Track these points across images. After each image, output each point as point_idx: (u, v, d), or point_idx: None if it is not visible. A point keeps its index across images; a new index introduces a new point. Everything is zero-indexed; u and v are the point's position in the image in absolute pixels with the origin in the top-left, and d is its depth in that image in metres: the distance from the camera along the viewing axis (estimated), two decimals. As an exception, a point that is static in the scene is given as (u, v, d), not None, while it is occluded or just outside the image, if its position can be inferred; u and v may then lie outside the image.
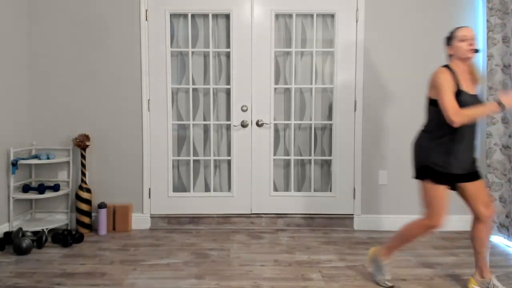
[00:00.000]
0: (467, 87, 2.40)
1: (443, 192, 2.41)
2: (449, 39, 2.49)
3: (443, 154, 2.38)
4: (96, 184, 3.81)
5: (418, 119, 3.80)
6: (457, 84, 2.36)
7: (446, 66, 2.46)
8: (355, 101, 3.80)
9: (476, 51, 2.43)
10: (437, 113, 2.40)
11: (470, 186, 2.44)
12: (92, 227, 3.72)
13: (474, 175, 2.44)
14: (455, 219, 3.82)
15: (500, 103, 2.26)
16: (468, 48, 2.41)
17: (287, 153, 3.92)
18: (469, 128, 2.38)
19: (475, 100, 2.38)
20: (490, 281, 2.48)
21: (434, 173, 2.39)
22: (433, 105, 2.42)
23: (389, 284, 2.61)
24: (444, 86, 2.34)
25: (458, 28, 2.47)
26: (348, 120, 3.82)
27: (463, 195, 2.49)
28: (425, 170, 2.42)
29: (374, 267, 2.69)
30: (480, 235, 2.49)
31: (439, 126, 2.40)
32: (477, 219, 2.48)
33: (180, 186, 3.95)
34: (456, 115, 2.26)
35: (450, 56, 2.50)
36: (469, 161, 2.42)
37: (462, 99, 2.33)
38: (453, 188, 2.48)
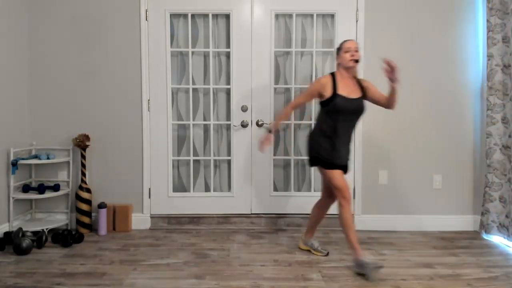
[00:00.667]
0: (347, 92, 2.86)
1: (336, 171, 2.88)
2: (338, 50, 2.95)
3: (328, 148, 2.88)
4: (96, 184, 3.81)
5: (418, 118, 3.80)
6: (334, 88, 2.84)
7: (332, 73, 2.94)
8: (355, 101, 3.80)
9: (356, 61, 2.88)
10: (323, 113, 2.92)
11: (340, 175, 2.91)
12: (92, 227, 3.72)
13: (346, 168, 2.95)
14: (455, 219, 3.82)
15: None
16: (350, 58, 2.85)
17: (287, 153, 3.92)
18: (344, 129, 2.88)
19: (351, 104, 2.84)
20: (311, 242, 3.14)
21: (323, 162, 2.90)
22: (321, 105, 2.93)
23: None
24: (308, 89, 2.95)
25: (344, 41, 2.94)
26: (348, 120, 3.82)
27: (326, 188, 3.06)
28: (316, 159, 2.93)
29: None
30: (323, 210, 3.14)
31: (325, 124, 2.90)
32: (327, 199, 3.06)
33: (180, 186, 3.95)
34: (287, 107, 3.04)
35: (338, 64, 2.94)
36: (346, 155, 2.93)
37: (337, 101, 2.82)
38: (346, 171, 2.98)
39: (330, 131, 2.87)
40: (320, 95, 2.89)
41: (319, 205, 3.17)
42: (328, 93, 2.85)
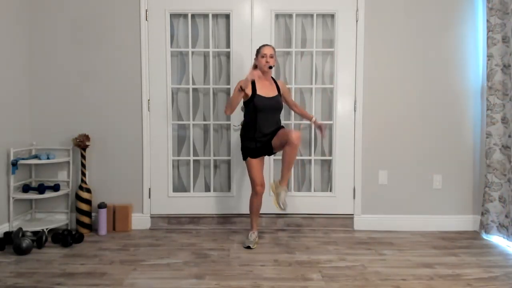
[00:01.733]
0: (264, 92, 3.22)
1: (254, 164, 3.28)
2: (257, 52, 3.28)
3: (250, 140, 3.27)
4: (96, 184, 3.81)
5: (418, 118, 3.80)
6: (254, 89, 3.19)
7: None
8: (355, 101, 3.80)
9: (270, 67, 3.22)
10: (246, 111, 3.30)
11: (275, 139, 3.23)
12: (92, 227, 3.72)
13: (275, 132, 3.25)
14: (455, 219, 3.83)
15: (241, 87, 3.08)
16: (265, 64, 3.21)
17: (287, 153, 3.92)
18: (266, 124, 3.23)
19: (269, 101, 3.21)
20: (280, 188, 3.23)
21: (249, 152, 3.28)
22: (244, 105, 3.31)
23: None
24: (234, 90, 3.17)
25: (262, 45, 3.28)
26: (348, 120, 3.82)
27: (277, 146, 3.25)
28: (245, 152, 3.31)
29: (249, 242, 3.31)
30: (286, 153, 3.19)
31: (248, 120, 3.30)
32: (286, 144, 3.13)
33: (180, 186, 3.95)
34: (225, 108, 3.28)
35: (256, 66, 3.20)
36: (268, 136, 3.25)
37: (256, 100, 3.19)
38: (271, 153, 3.36)
39: (252, 126, 3.26)
40: (245, 95, 3.23)
41: (284, 153, 3.27)
42: (249, 93, 3.21)
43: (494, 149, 3.52)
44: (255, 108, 3.21)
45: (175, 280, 2.66)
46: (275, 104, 3.26)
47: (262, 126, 3.24)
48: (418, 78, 3.78)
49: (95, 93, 3.79)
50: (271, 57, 3.22)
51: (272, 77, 3.37)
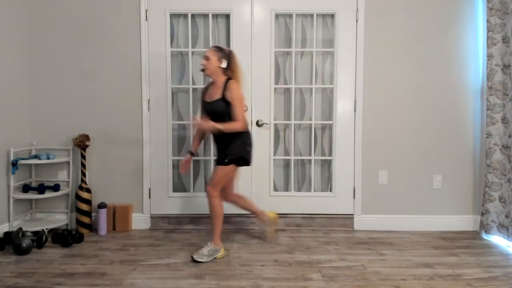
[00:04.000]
0: (208, 97, 3.11)
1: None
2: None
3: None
4: (96, 184, 3.81)
5: (418, 118, 3.80)
6: (203, 95, 3.16)
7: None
8: (355, 101, 3.80)
9: (202, 70, 3.08)
10: None
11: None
12: (92, 227, 3.72)
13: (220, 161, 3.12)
14: (455, 219, 3.82)
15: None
16: (201, 66, 3.08)
17: (287, 153, 3.92)
18: (219, 133, 3.05)
19: (207, 106, 3.09)
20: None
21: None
22: None
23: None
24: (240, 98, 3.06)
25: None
26: (348, 120, 3.82)
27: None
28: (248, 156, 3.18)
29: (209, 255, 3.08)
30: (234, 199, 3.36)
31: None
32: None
33: (180, 186, 3.95)
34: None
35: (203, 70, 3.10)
36: (220, 151, 3.15)
37: (202, 106, 3.17)
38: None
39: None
40: None
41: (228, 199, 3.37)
42: None
43: (494, 149, 3.52)
44: (202, 114, 3.19)
45: (175, 280, 2.66)
46: (211, 108, 3.07)
47: (213, 135, 3.17)
48: (418, 78, 3.78)
49: (95, 93, 3.79)
50: (206, 58, 3.04)
51: (229, 79, 3.08)
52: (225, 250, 3.24)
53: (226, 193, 3.30)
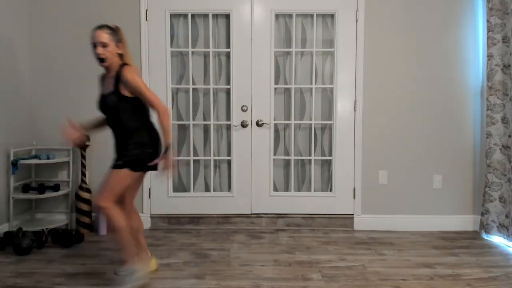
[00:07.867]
0: (104, 89, 2.54)
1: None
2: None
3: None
4: (96, 184, 3.80)
5: (418, 118, 3.80)
6: (101, 87, 2.59)
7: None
8: (355, 101, 3.80)
9: (101, 61, 2.42)
10: None
11: None
12: (92, 227, 3.72)
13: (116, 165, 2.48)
14: (455, 219, 3.82)
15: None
16: (97, 57, 2.44)
17: (287, 153, 3.92)
18: (111, 127, 2.56)
19: (101, 101, 2.52)
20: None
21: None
22: None
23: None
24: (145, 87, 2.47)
25: (94, 28, 2.49)
26: (348, 120, 3.82)
27: None
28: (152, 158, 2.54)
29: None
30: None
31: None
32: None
33: (180, 186, 3.95)
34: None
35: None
36: (118, 153, 2.52)
37: (97, 101, 2.57)
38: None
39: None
40: None
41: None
42: None
43: (494, 149, 3.52)
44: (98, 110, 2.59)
45: (175, 280, 2.66)
46: (104, 103, 2.50)
47: (113, 133, 2.56)
48: (418, 78, 3.78)
49: (95, 93, 3.77)
50: (104, 45, 2.40)
51: (123, 65, 2.47)
52: (225, 250, 3.23)
53: (123, 207, 2.59)
